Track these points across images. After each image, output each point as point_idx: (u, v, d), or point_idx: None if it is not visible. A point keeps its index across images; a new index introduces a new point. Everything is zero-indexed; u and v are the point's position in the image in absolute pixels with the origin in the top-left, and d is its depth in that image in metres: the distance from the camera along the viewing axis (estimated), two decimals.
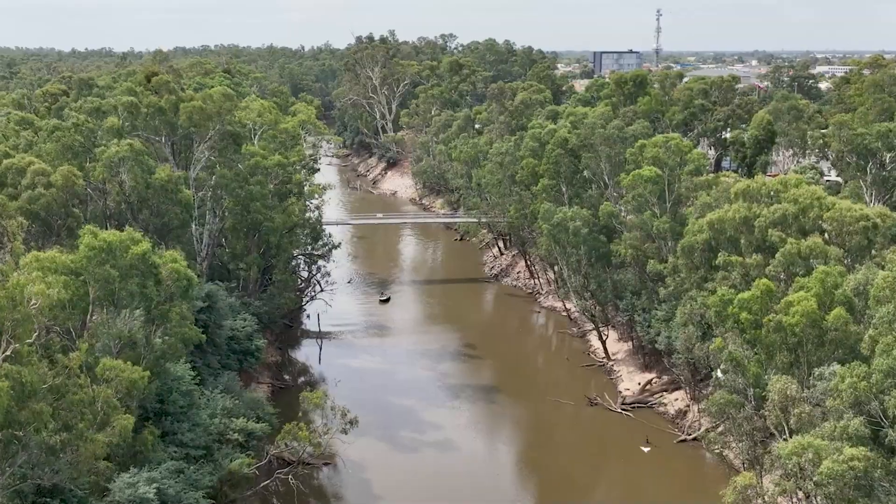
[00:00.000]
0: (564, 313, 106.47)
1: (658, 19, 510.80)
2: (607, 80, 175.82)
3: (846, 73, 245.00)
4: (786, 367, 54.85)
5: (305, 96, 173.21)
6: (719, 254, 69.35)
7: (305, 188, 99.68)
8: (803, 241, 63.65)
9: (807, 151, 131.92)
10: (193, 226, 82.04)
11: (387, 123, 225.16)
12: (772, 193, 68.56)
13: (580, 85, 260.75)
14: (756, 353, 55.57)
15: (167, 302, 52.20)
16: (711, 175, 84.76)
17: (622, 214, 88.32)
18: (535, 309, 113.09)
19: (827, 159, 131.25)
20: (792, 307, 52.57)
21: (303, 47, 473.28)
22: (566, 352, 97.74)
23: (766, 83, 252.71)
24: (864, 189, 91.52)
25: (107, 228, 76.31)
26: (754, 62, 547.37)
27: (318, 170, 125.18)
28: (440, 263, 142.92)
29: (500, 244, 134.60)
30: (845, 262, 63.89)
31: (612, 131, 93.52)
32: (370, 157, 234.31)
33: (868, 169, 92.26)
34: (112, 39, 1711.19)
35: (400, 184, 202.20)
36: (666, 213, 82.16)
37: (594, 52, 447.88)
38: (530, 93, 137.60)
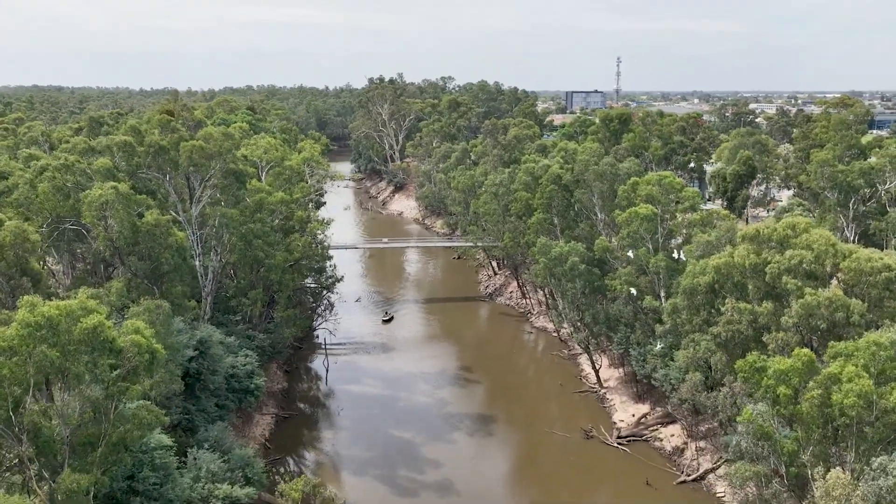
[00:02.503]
0: (555, 335, 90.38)
1: (618, 64, 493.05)
2: (587, 117, 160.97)
3: (777, 109, 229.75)
4: (826, 443, 38.71)
5: (313, 133, 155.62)
6: (726, 300, 53.37)
7: (312, 219, 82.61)
8: (822, 291, 47.59)
9: (767, 181, 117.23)
10: (197, 262, 65.69)
11: (394, 153, 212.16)
12: (782, 240, 52.27)
13: (558, 119, 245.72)
14: (794, 432, 39.21)
15: (127, 378, 35.72)
16: (704, 211, 68.42)
17: (616, 249, 72.02)
18: (528, 329, 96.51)
19: (789, 188, 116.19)
20: (842, 384, 36.29)
21: (327, 87, 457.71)
22: (558, 376, 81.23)
23: (713, 118, 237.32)
24: (846, 224, 75.07)
25: (101, 271, 60.21)
26: (696, 100, 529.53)
27: (325, 203, 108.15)
28: (439, 282, 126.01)
29: (494, 265, 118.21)
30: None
31: (605, 168, 77.26)
32: (380, 181, 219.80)
33: (851, 205, 75.57)
34: (176, 79, 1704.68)
35: (406, 205, 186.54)
36: (659, 248, 66.28)
37: (566, 92, 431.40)
38: (521, 129, 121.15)
